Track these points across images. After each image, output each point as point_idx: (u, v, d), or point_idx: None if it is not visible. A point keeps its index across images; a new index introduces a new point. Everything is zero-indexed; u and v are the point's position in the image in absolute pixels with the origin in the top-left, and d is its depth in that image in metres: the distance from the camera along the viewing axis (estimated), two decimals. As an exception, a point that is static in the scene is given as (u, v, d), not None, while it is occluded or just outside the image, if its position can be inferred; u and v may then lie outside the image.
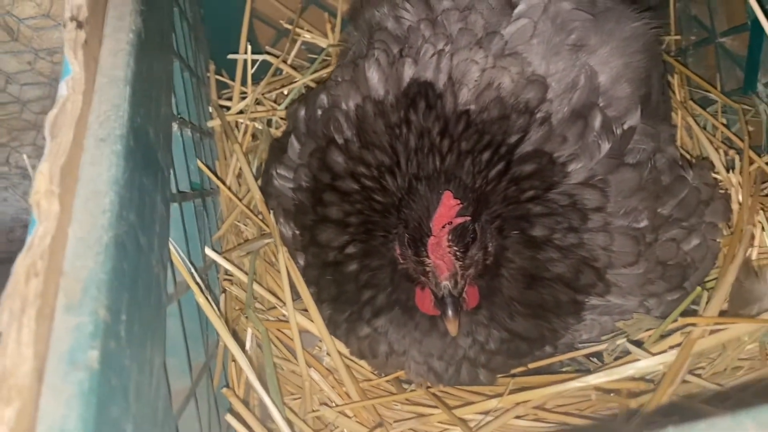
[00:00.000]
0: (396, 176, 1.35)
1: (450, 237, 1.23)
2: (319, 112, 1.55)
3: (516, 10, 1.42)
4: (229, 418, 1.10)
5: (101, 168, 0.86)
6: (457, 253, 1.23)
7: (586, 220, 1.35)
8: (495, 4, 1.43)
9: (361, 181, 1.39)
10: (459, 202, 1.23)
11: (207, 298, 1.16)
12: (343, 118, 1.47)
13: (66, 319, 0.71)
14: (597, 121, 1.39)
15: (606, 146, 1.38)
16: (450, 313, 1.22)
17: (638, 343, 1.37)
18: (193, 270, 1.16)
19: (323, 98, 1.55)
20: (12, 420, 0.60)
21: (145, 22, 1.13)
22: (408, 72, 1.43)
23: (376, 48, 1.48)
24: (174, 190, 1.19)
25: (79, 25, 0.97)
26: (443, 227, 1.23)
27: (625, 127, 1.43)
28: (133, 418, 0.76)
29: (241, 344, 1.42)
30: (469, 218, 1.23)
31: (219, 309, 1.29)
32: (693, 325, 1.13)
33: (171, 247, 1.13)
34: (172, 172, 1.19)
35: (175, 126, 1.32)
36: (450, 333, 1.24)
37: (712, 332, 1.13)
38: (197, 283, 1.15)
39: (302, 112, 1.61)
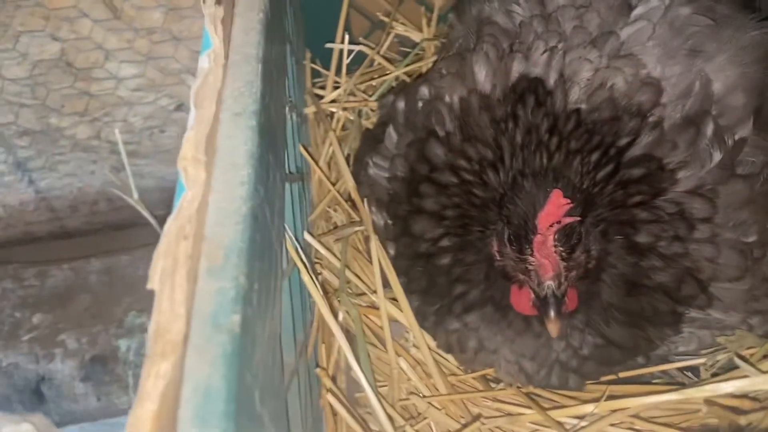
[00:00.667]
0: (499, 171, 1.33)
1: (557, 236, 1.21)
2: (420, 103, 1.55)
3: (634, 12, 1.39)
4: (331, 399, 1.11)
5: (238, 141, 0.88)
6: (563, 254, 1.21)
7: (693, 230, 1.31)
8: (613, 3, 1.41)
9: (460, 174, 1.38)
10: (568, 201, 1.21)
11: (312, 277, 1.17)
12: (446, 110, 1.46)
13: (209, 283, 0.73)
14: (709, 129, 1.35)
15: (717, 156, 1.34)
16: (552, 313, 1.20)
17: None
18: (299, 249, 1.18)
19: (424, 90, 1.55)
20: (168, 373, 0.62)
21: (271, 3, 1.15)
22: (517, 67, 1.42)
23: (485, 42, 1.47)
24: (287, 170, 1.21)
25: (218, 1, 1.00)
26: (551, 226, 1.21)
27: (737, 137, 1.39)
28: (260, 386, 0.77)
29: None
30: (577, 219, 1.21)
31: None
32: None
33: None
34: (285, 152, 1.21)
35: (286, 109, 1.34)
36: (551, 334, 1.22)
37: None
38: (303, 262, 1.17)
39: (401, 103, 1.61)
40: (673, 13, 1.41)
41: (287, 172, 1.24)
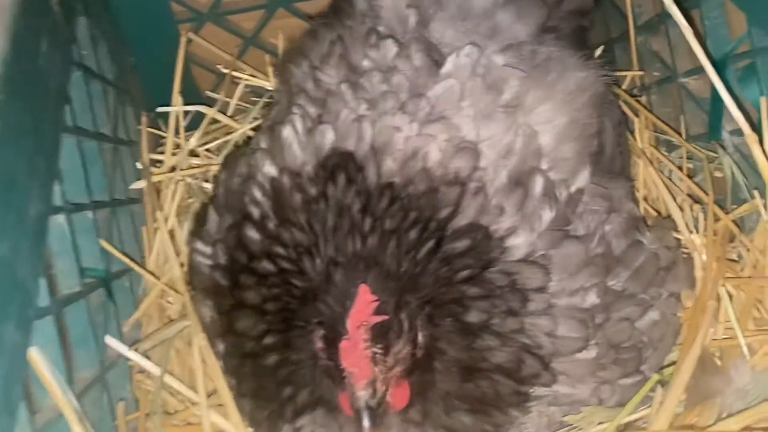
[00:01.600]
0: (314, 258, 1.20)
1: (368, 337, 1.09)
2: (237, 181, 1.41)
3: (442, 71, 1.29)
4: None
5: None
6: (377, 356, 1.09)
7: (527, 303, 1.21)
8: (420, 63, 1.30)
9: (278, 262, 1.25)
10: (377, 297, 1.09)
11: (85, 426, 1.02)
12: (258, 190, 1.33)
13: None
14: (538, 188, 1.26)
15: (548, 216, 1.25)
16: (365, 427, 1.08)
17: (591, 438, 1.23)
18: (70, 393, 1.02)
19: (242, 165, 1.42)
20: None
21: (7, 113, 0.99)
22: (327, 140, 1.29)
23: (294, 113, 1.35)
24: (45, 302, 1.05)
25: None
26: (359, 327, 1.08)
27: (573, 189, 1.30)
28: None
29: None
30: (387, 317, 1.09)
31: (114, 420, 1.14)
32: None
33: (40, 369, 0.99)
34: (43, 280, 1.05)
35: (60, 218, 1.18)
36: (366, 451, 1.10)
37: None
38: (74, 408, 1.01)
39: (223, 178, 1.48)
40: (486, 66, 1.31)
41: (50, 302, 1.07)
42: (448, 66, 1.28)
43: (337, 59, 1.36)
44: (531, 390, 1.24)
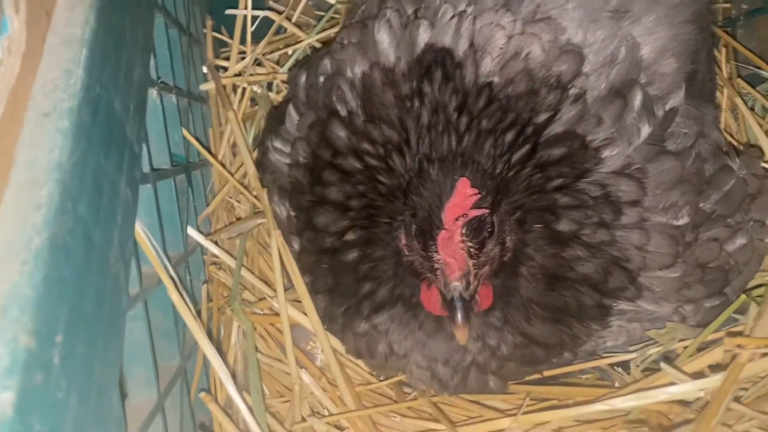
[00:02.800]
0: (405, 155, 1.18)
1: (464, 231, 1.07)
2: (322, 79, 1.37)
3: (551, -32, 1.23)
4: (202, 435, 0.96)
5: (41, 150, 0.70)
6: (471, 250, 1.08)
7: (620, 215, 1.19)
8: (528, -41, 1.24)
9: (364, 159, 1.22)
10: (476, 191, 1.07)
11: (182, 295, 1.01)
12: (347, 86, 1.29)
13: (-24, 348, 0.57)
14: (637, 101, 1.22)
15: (646, 130, 1.21)
16: (459, 318, 1.07)
17: (671, 355, 1.22)
18: (166, 261, 1.01)
19: (327, 63, 1.38)
20: None
21: (117, -31, 0.95)
22: (423, 36, 1.25)
23: (388, 7, 1.30)
24: (147, 169, 1.03)
25: (25, -30, 0.80)
26: (457, 219, 1.06)
27: (668, 107, 1.26)
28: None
29: (229, 337, 1.28)
30: (487, 211, 1.07)
31: (198, 303, 1.14)
32: (740, 346, 0.97)
33: (141, 235, 0.98)
34: (144, 146, 1.03)
35: (153, 92, 1.16)
36: (458, 341, 1.09)
37: (763, 355, 0.97)
38: (171, 278, 1.00)
39: (303, 78, 1.44)
40: (595, -33, 1.25)
41: (150, 169, 1.06)
42: (557, -36, 1.23)
43: (436, -47, 1.30)
44: (615, 304, 1.23)
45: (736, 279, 1.28)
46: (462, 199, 1.07)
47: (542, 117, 1.18)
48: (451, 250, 1.07)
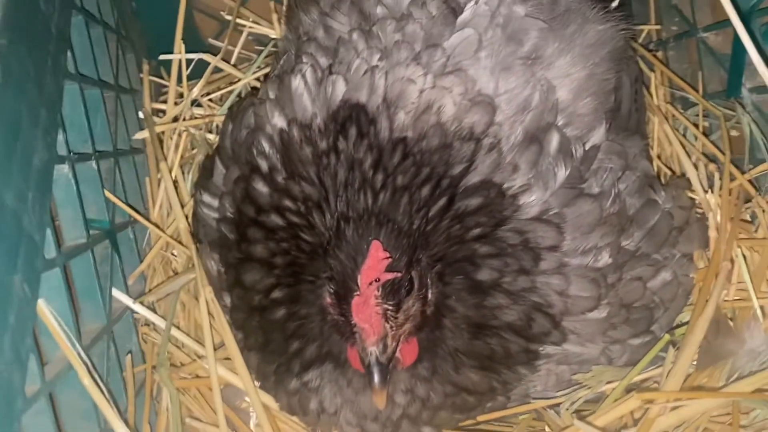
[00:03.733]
0: (324, 213, 1.18)
1: (380, 293, 1.07)
2: (245, 132, 1.37)
3: (459, 19, 1.24)
4: None
5: None
6: (388, 312, 1.08)
7: (539, 261, 1.19)
8: (436, 12, 1.25)
9: (286, 216, 1.22)
10: (388, 255, 1.07)
11: (93, 378, 1.01)
12: (267, 143, 1.29)
13: None
14: (553, 145, 1.22)
15: (563, 174, 1.22)
16: (376, 382, 1.08)
17: (599, 396, 1.23)
18: (78, 346, 1.01)
19: (250, 116, 1.38)
20: None
21: (8, 58, 0.95)
22: (338, 91, 1.25)
23: (303, 62, 1.30)
24: (53, 253, 1.03)
25: None
26: (371, 283, 1.07)
27: (588, 146, 1.27)
28: None
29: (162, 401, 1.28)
30: (399, 274, 1.08)
31: (123, 372, 1.14)
32: (651, 401, 0.98)
33: (50, 320, 0.97)
34: (49, 230, 1.02)
35: (65, 167, 1.15)
36: (377, 406, 1.10)
37: (673, 408, 0.98)
38: (83, 361, 1.00)
39: (229, 129, 1.44)
40: (506, 16, 1.26)
41: (56, 252, 1.05)
42: (466, 14, 1.23)
43: (349, 6, 1.31)
44: (541, 348, 1.24)
45: (662, 316, 1.29)
46: (375, 263, 1.08)
47: (457, 169, 1.19)
48: (366, 315, 1.07)
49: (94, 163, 1.30)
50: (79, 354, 1.01)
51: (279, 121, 1.29)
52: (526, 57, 1.25)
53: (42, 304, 0.96)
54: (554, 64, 1.27)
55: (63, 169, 1.15)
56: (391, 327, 1.09)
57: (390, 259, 1.08)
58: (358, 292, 1.07)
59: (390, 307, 1.08)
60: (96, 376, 1.02)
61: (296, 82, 1.28)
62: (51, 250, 1.02)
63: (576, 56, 1.29)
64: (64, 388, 1.02)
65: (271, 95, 1.33)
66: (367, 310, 1.07)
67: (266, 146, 1.29)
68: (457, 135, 1.20)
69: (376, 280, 1.07)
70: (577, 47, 1.29)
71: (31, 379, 0.90)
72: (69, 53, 1.26)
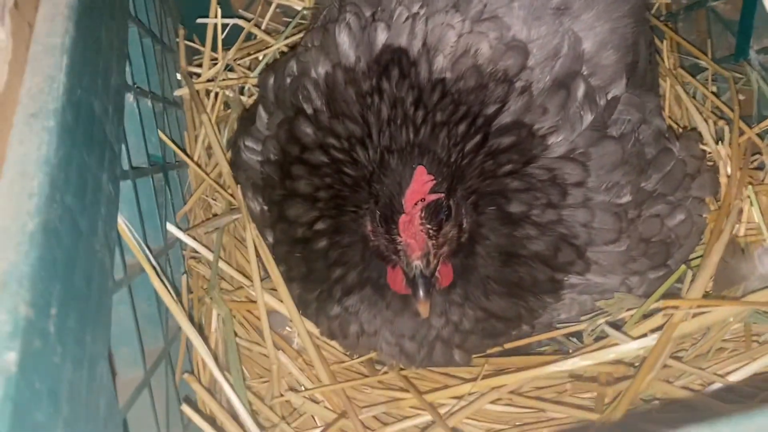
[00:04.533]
0: (367, 148, 1.27)
1: (423, 214, 1.16)
2: (288, 80, 1.46)
3: (496, -29, 1.34)
4: (185, 408, 1.04)
5: (30, 147, 0.78)
6: (430, 231, 1.17)
7: (566, 196, 1.29)
8: (475, -36, 1.34)
9: (330, 153, 1.32)
10: (432, 177, 1.17)
11: (163, 282, 1.09)
12: (312, 86, 1.39)
13: (-18, 318, 0.65)
14: (580, 91, 1.32)
15: (588, 117, 1.32)
16: (421, 294, 1.16)
17: (620, 323, 1.32)
18: (147, 251, 1.09)
19: (293, 65, 1.47)
20: None
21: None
22: (381, 37, 1.35)
23: (347, 11, 1.40)
24: (126, 167, 1.12)
25: (10, -14, 0.88)
26: (416, 204, 1.16)
27: (609, 96, 1.37)
28: (64, 420, 0.70)
29: (209, 325, 1.36)
30: (443, 195, 1.17)
31: (179, 291, 1.22)
32: (675, 308, 1.07)
33: (123, 227, 1.06)
34: (123, 147, 1.11)
35: (130, 97, 1.24)
36: (421, 315, 1.19)
37: (695, 315, 1.08)
38: (152, 266, 1.08)
39: (271, 80, 1.53)
40: (536, -29, 1.36)
41: (130, 167, 1.14)
42: (502, -33, 1.33)
43: (391, -42, 1.40)
44: (566, 278, 1.33)
45: (677, 252, 1.39)
46: (420, 186, 1.17)
47: (491, 109, 1.28)
48: (412, 232, 1.16)
49: (149, 102, 1.39)
50: (149, 259, 1.09)
51: (324, 65, 1.38)
52: (555, 8, 1.35)
53: (120, 219, 1.04)
54: (580, 17, 1.36)
55: (129, 98, 1.24)
56: (433, 246, 1.19)
57: (433, 183, 1.17)
58: (403, 213, 1.17)
59: (432, 227, 1.17)
60: (165, 281, 1.10)
61: (340, 30, 1.38)
62: (125, 163, 1.11)
63: (600, 11, 1.38)
64: (134, 292, 1.10)
65: (316, 43, 1.42)
66: (413, 228, 1.16)
67: (311, 89, 1.38)
68: (492, 76, 1.29)
69: (421, 201, 1.16)
70: (601, 3, 1.39)
71: (117, 269, 0.98)
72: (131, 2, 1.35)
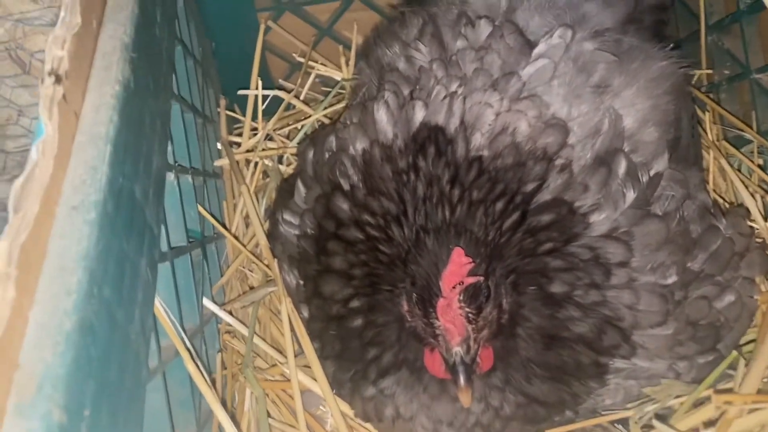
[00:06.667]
0: (403, 226, 1.26)
1: (461, 298, 1.14)
2: (327, 155, 1.47)
3: (535, 51, 1.34)
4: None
5: (71, 241, 0.79)
6: (470, 316, 1.14)
7: (610, 276, 1.25)
8: (513, 43, 1.35)
9: (366, 230, 1.31)
10: (470, 259, 1.14)
11: (197, 365, 1.08)
12: (349, 162, 1.39)
13: (16, 424, 0.64)
14: (621, 168, 1.29)
15: (631, 195, 1.29)
16: (462, 381, 1.13)
17: (668, 412, 1.26)
18: (183, 333, 1.08)
19: (332, 140, 1.48)
20: None
21: (136, 70, 1.06)
22: (418, 115, 1.35)
23: (386, 90, 1.41)
24: (165, 248, 1.12)
25: (58, 80, 0.91)
26: (454, 287, 1.14)
27: (652, 173, 1.34)
28: None
29: (242, 403, 1.34)
30: (481, 278, 1.14)
31: (212, 373, 1.21)
32: (729, 403, 1.02)
33: (159, 310, 1.06)
34: (163, 227, 1.12)
35: (171, 176, 1.26)
36: (463, 403, 1.15)
37: (751, 411, 1.02)
38: (188, 349, 1.07)
39: (310, 154, 1.54)
40: (577, 50, 1.36)
41: (168, 248, 1.15)
42: (541, 47, 1.33)
43: (430, 38, 1.41)
44: (611, 362, 1.28)
45: (727, 335, 1.33)
46: (457, 268, 1.14)
47: (530, 186, 1.26)
48: (451, 317, 1.14)
49: (190, 177, 1.40)
50: (184, 343, 1.08)
51: (362, 142, 1.39)
52: (596, 86, 1.34)
53: (156, 301, 1.04)
54: (621, 95, 1.35)
55: (170, 177, 1.25)
56: (473, 330, 1.15)
57: (472, 264, 1.15)
58: (441, 296, 1.14)
59: (471, 311, 1.15)
60: (199, 364, 1.09)
61: (379, 107, 1.38)
62: (164, 245, 1.11)
63: (641, 88, 1.37)
64: (168, 375, 1.08)
65: (355, 120, 1.43)
66: (451, 312, 1.14)
67: (349, 165, 1.38)
68: (530, 154, 1.28)
69: (459, 284, 1.13)
70: (641, 80, 1.38)
71: (152, 356, 0.97)
72: (174, 76, 1.39)
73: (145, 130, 1.09)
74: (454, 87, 1.35)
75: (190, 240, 1.35)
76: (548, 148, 1.28)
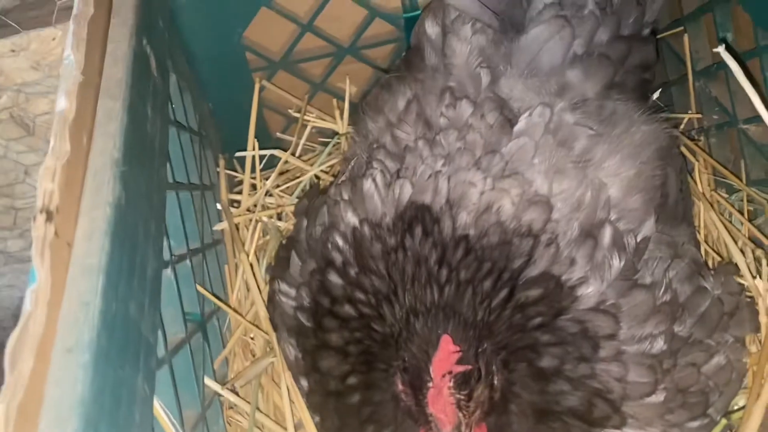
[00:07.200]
0: (393, 306, 1.30)
1: (452, 384, 1.17)
2: (319, 229, 1.51)
3: (516, 128, 1.37)
4: None
5: (65, 388, 0.83)
6: (461, 402, 1.17)
7: (598, 349, 1.28)
8: (493, 122, 1.38)
9: (359, 307, 1.34)
10: (458, 348, 1.18)
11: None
12: (341, 239, 1.43)
13: None
14: (607, 239, 1.32)
15: (617, 265, 1.31)
16: (454, 467, 1.16)
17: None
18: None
19: (324, 214, 1.52)
20: None
21: (128, 183, 1.10)
22: (405, 194, 1.39)
23: (374, 167, 1.44)
24: (162, 353, 1.16)
25: (49, 217, 0.95)
26: (444, 375, 1.17)
27: (639, 238, 1.36)
28: None
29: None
30: (470, 367, 1.18)
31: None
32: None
33: (159, 411, 1.10)
34: (159, 333, 1.16)
35: (168, 271, 1.30)
36: (458, 488, 1.18)
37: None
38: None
39: (303, 224, 1.58)
40: (556, 123, 1.38)
41: (165, 351, 1.19)
42: (521, 125, 1.36)
43: (414, 117, 1.45)
44: (602, 432, 1.31)
45: (718, 400, 1.35)
46: (446, 356, 1.17)
47: (517, 263, 1.29)
48: (441, 405, 1.17)
49: (188, 261, 1.45)
50: (182, 441, 1.13)
51: (352, 219, 1.42)
52: (577, 159, 1.36)
53: (156, 404, 1.08)
54: (604, 165, 1.37)
55: (166, 273, 1.29)
56: (464, 415, 1.18)
57: (460, 352, 1.18)
58: (431, 384, 1.18)
59: (462, 397, 1.18)
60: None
61: (368, 185, 1.42)
62: (161, 349, 1.16)
63: (624, 156, 1.39)
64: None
65: (345, 196, 1.47)
66: (442, 401, 1.17)
67: (340, 242, 1.42)
68: (516, 232, 1.31)
69: (448, 372, 1.17)
70: (624, 148, 1.40)
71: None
72: (168, 165, 1.43)
73: (139, 240, 1.13)
74: (438, 166, 1.38)
75: (188, 321, 1.39)
76: (533, 225, 1.31)
